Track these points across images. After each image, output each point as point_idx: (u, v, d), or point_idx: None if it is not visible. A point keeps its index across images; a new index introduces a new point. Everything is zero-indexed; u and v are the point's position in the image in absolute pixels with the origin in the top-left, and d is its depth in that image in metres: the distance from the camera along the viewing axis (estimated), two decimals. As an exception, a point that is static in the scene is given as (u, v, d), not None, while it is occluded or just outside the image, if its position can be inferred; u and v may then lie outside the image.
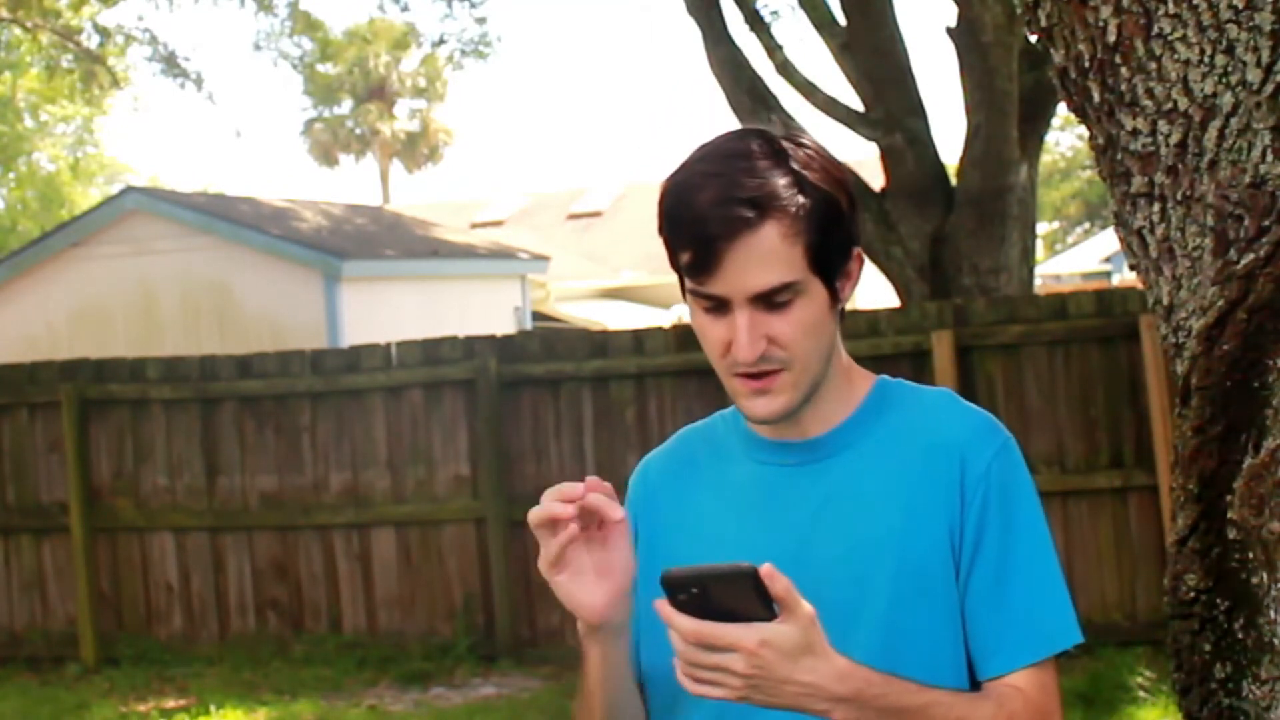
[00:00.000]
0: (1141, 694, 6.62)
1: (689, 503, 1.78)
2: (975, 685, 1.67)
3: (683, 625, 1.47)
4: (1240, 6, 1.62)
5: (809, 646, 1.48)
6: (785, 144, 1.65)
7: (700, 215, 1.61)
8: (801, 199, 1.61)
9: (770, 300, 1.62)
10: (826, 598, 1.64)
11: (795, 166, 1.63)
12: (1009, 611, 1.65)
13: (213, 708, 7.72)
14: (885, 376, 1.79)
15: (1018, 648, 1.64)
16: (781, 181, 1.61)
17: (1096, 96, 1.77)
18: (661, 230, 1.67)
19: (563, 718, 7.16)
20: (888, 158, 9.98)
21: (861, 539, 1.66)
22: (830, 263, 1.65)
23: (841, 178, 1.67)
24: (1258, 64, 1.63)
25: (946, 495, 1.66)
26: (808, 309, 1.64)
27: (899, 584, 1.65)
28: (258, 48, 31.44)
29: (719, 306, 1.64)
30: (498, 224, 27.83)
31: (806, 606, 1.48)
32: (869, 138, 10.11)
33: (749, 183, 1.60)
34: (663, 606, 1.47)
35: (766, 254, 1.60)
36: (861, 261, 1.71)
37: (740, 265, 1.60)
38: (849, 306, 1.82)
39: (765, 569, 1.45)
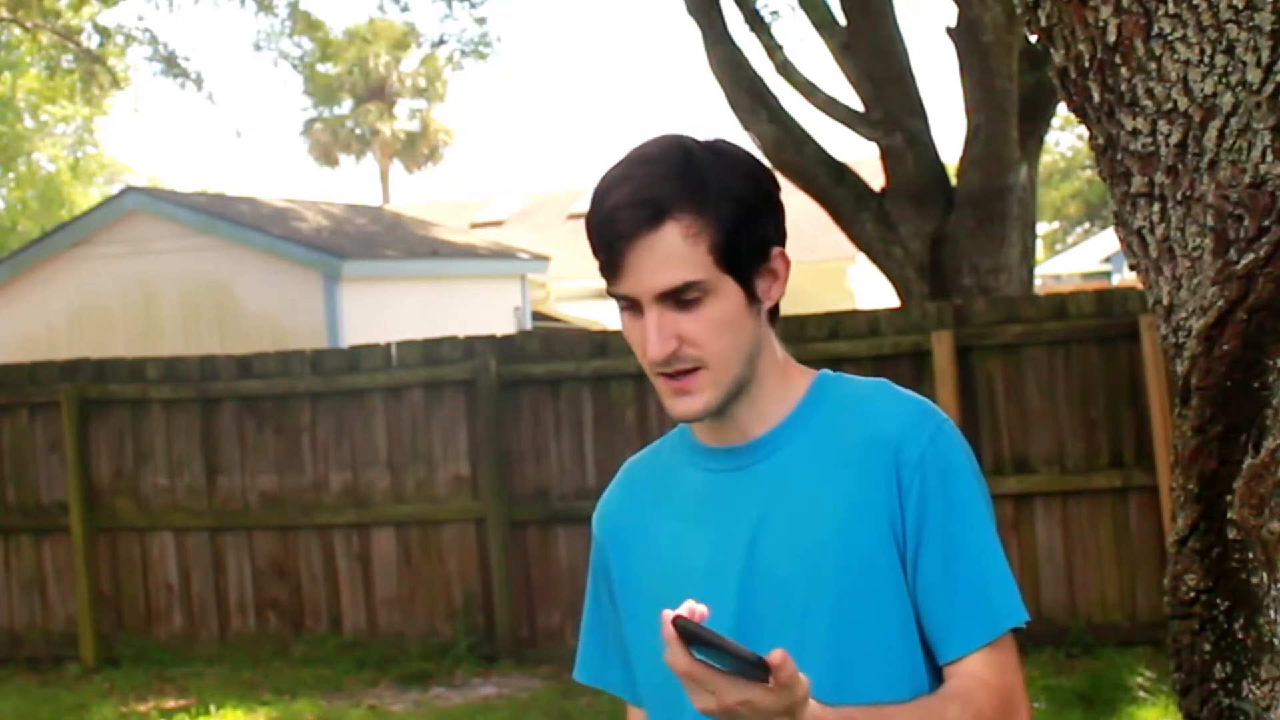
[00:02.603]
0: (1141, 694, 6.63)
1: (649, 524, 1.81)
2: (937, 671, 1.69)
3: (676, 661, 1.46)
4: (1240, 6, 1.62)
5: (789, 710, 1.49)
6: (696, 148, 1.70)
7: (606, 217, 1.68)
8: (705, 200, 1.66)
9: (678, 299, 1.66)
10: (775, 599, 1.68)
11: (701, 170, 1.68)
12: (958, 594, 1.67)
13: (213, 708, 7.72)
14: (826, 371, 1.82)
15: (971, 630, 1.66)
16: (684, 184, 1.66)
17: (1096, 96, 1.77)
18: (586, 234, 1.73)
19: (563, 718, 7.15)
20: (888, 158, 9.99)
21: (806, 538, 1.68)
22: (741, 262, 1.68)
23: (756, 181, 1.71)
24: (1258, 64, 1.63)
25: (885, 488, 1.68)
26: (718, 307, 1.67)
27: (844, 581, 1.67)
28: (258, 48, 31.45)
29: (633, 306, 1.69)
30: (498, 224, 27.80)
31: (803, 681, 1.49)
32: (869, 138, 10.11)
33: (651, 184, 1.66)
34: (668, 626, 1.46)
35: (668, 253, 1.65)
36: (787, 262, 1.74)
37: (643, 265, 1.65)
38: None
39: (775, 657, 1.44)
